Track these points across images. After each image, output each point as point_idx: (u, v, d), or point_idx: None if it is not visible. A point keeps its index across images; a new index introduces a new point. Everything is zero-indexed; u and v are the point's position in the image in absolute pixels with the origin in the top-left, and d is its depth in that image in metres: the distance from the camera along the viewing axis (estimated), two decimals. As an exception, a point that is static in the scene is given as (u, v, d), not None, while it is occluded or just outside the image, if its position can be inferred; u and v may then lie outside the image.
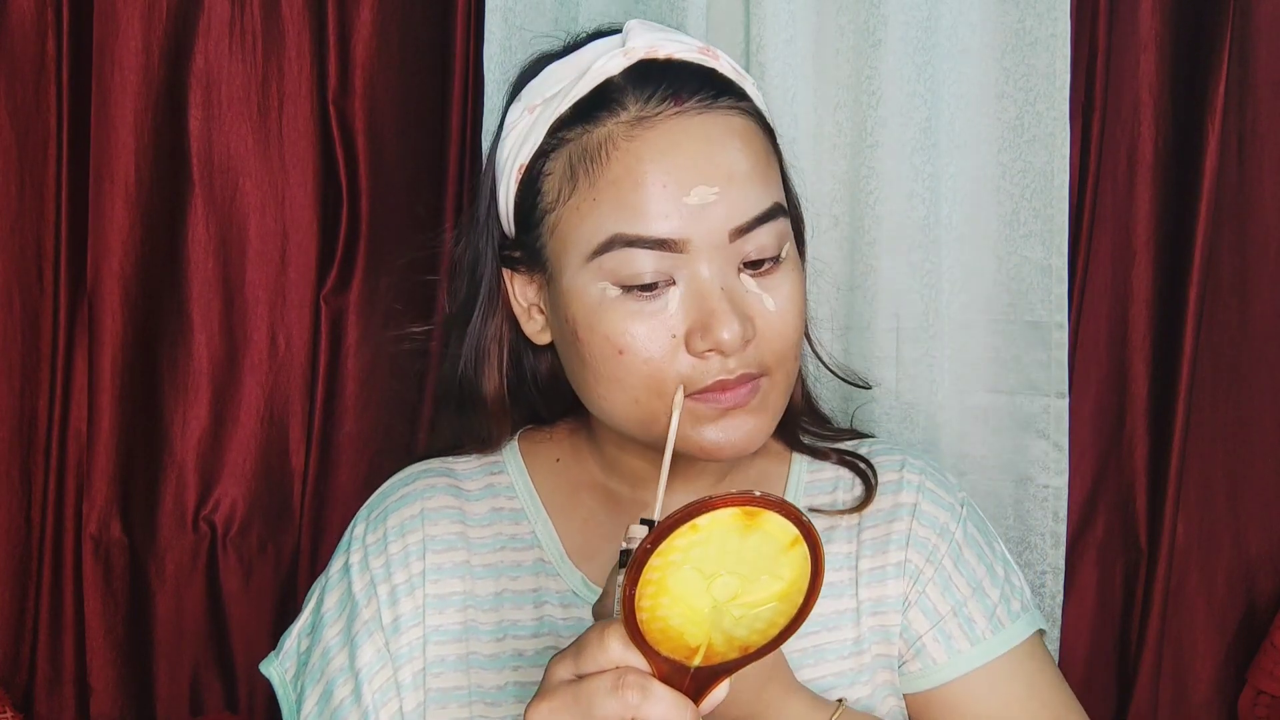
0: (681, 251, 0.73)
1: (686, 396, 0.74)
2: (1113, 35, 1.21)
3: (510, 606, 0.82)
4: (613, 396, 0.77)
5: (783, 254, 0.77)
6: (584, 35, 0.82)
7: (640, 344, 0.74)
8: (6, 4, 1.16)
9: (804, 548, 0.59)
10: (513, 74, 0.85)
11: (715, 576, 0.59)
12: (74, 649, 1.21)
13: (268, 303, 1.24)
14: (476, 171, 1.18)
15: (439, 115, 1.22)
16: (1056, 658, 1.22)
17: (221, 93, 1.21)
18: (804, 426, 0.92)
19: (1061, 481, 1.21)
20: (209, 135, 1.22)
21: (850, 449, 0.91)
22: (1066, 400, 1.20)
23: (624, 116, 0.75)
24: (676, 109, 0.75)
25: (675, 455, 0.72)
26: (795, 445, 0.90)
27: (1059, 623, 1.22)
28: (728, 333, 0.72)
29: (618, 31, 0.80)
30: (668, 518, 0.57)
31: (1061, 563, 1.21)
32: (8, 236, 1.18)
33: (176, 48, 1.20)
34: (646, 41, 0.78)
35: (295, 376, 1.25)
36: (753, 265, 0.76)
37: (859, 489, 0.88)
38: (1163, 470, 1.21)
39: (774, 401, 0.78)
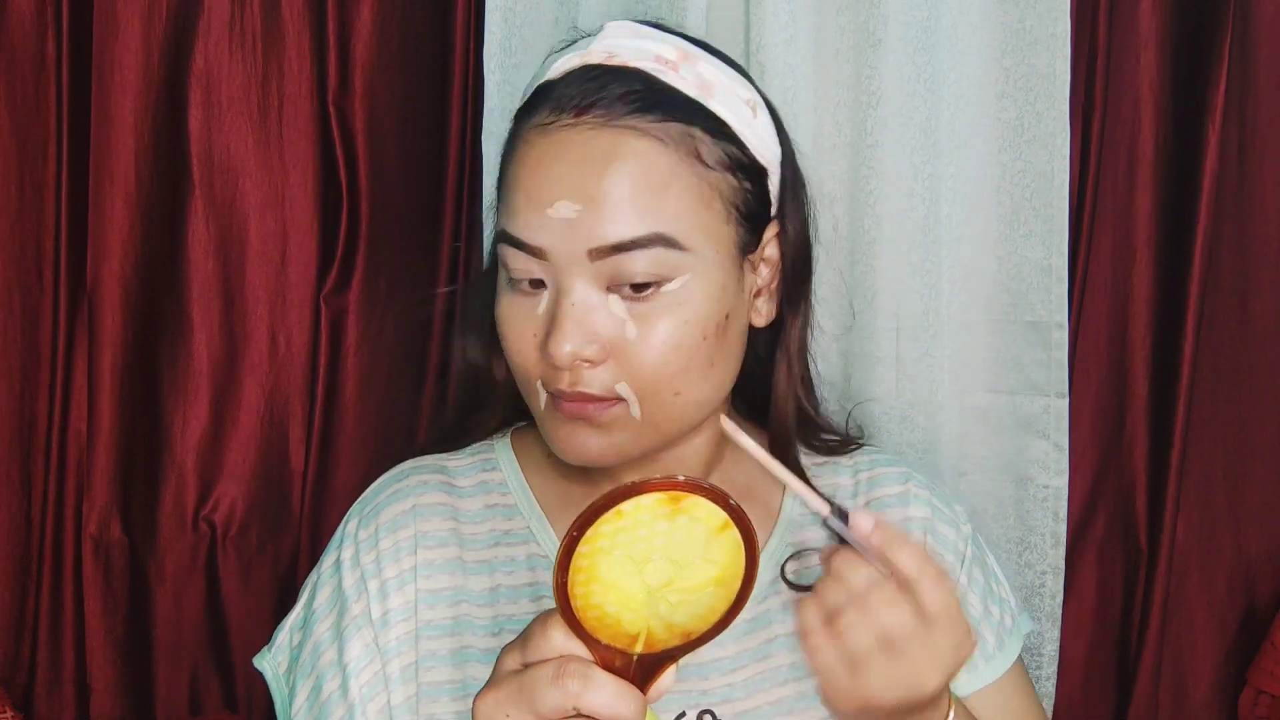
0: (543, 259, 0.75)
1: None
2: (1113, 35, 1.21)
3: (506, 601, 0.82)
4: (518, 382, 0.80)
5: (670, 286, 0.75)
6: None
7: (513, 335, 0.78)
8: (6, 4, 1.16)
9: (735, 532, 0.60)
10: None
11: (646, 562, 0.59)
12: (74, 649, 1.21)
13: (268, 303, 1.24)
14: (476, 171, 1.18)
15: (439, 115, 1.21)
16: (1056, 658, 1.22)
17: (221, 93, 1.21)
18: (801, 450, 0.89)
19: (1061, 481, 1.21)
20: (209, 135, 1.22)
21: (849, 464, 0.91)
22: (1066, 400, 1.20)
23: (533, 121, 0.78)
24: (573, 120, 0.75)
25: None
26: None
27: (1059, 623, 1.21)
28: (568, 345, 0.73)
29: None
30: (591, 504, 0.58)
31: (1061, 563, 1.21)
32: (8, 236, 1.18)
33: (176, 48, 1.20)
34: (606, 48, 0.79)
35: (295, 376, 1.24)
36: (638, 288, 0.74)
37: None
38: (1163, 470, 1.21)
39: (634, 425, 0.76)
